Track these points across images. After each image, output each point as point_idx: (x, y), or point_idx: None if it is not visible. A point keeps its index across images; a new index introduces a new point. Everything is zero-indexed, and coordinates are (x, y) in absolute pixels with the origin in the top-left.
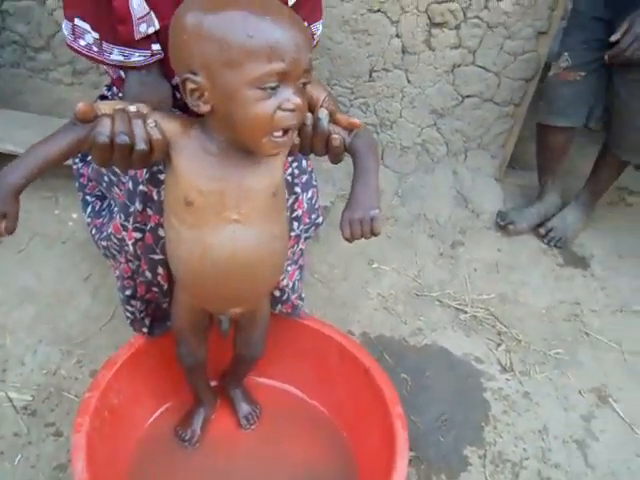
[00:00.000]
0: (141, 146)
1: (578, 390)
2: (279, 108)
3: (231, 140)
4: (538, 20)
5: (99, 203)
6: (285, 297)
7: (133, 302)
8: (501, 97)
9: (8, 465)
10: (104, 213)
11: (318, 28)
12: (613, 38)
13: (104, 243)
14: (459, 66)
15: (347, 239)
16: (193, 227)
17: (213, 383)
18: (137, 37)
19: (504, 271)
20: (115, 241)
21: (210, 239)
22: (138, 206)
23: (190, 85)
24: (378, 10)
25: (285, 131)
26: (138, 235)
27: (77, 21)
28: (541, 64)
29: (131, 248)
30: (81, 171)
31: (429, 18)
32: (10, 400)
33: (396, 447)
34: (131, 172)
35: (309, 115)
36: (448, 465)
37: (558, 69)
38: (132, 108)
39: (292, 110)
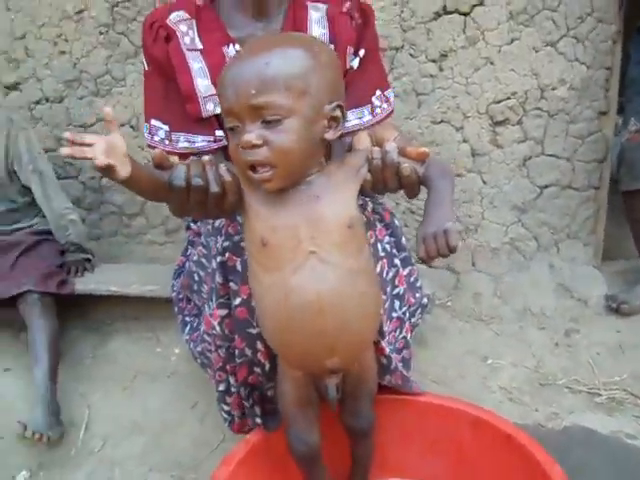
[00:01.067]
0: (214, 188)
1: None
2: (240, 147)
3: None
4: (596, 101)
5: (196, 320)
6: (393, 366)
7: (228, 398)
8: (579, 182)
9: None
10: (200, 327)
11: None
12: None
13: (199, 348)
14: (530, 158)
15: (422, 258)
16: (273, 270)
17: None
18: (204, 114)
19: (630, 351)
20: (207, 339)
21: (291, 280)
22: (219, 279)
23: None
24: (441, 121)
25: (253, 167)
26: (223, 312)
27: (153, 121)
28: (609, 143)
29: (218, 328)
30: (179, 296)
31: (491, 118)
32: None
33: None
34: (213, 251)
35: (376, 149)
36: None
37: (629, 134)
38: (206, 157)
39: (250, 147)
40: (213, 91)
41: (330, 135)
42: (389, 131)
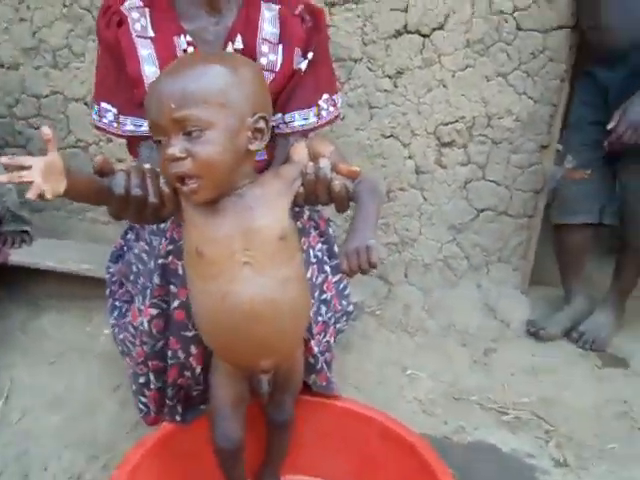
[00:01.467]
0: (153, 199)
1: None
2: (165, 159)
3: None
4: (539, 135)
5: (126, 306)
6: (319, 366)
7: (147, 392)
8: (514, 209)
9: None
10: (129, 314)
11: (337, 99)
12: (609, 126)
13: (121, 336)
14: (471, 181)
15: (345, 271)
16: (208, 278)
17: None
18: None
19: (542, 374)
20: (132, 330)
21: (226, 287)
22: (156, 280)
23: None
24: (390, 135)
25: (181, 179)
26: (154, 312)
27: (102, 104)
28: (547, 175)
29: (146, 326)
30: (113, 279)
31: (438, 139)
32: None
33: None
34: (155, 250)
35: (310, 164)
36: None
37: (564, 170)
38: (147, 166)
39: (174, 160)
40: None
41: (254, 146)
42: (325, 145)
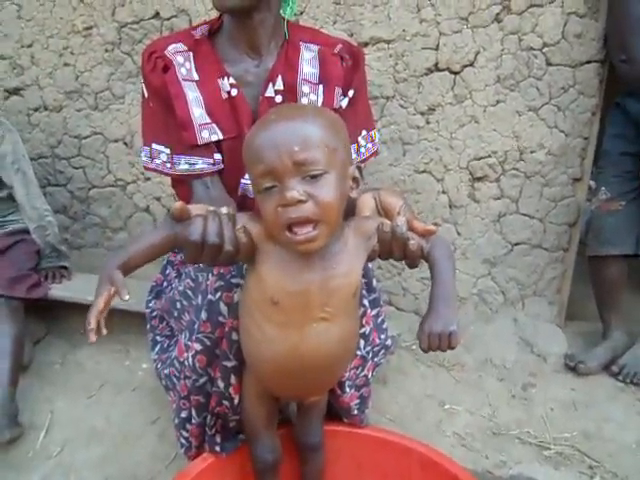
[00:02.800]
0: (229, 248)
1: None
2: (279, 205)
3: None
4: (571, 167)
5: (167, 341)
6: (354, 412)
7: (188, 426)
8: (549, 243)
9: None
10: (171, 349)
11: (375, 135)
12: None
13: (166, 371)
14: (504, 215)
15: (424, 349)
16: (280, 325)
17: None
18: (200, 141)
19: (582, 409)
20: (177, 365)
21: (299, 337)
22: (203, 316)
23: None
24: (424, 171)
25: (290, 229)
26: (198, 347)
27: (154, 145)
28: (581, 208)
29: (190, 361)
30: (153, 314)
31: (470, 173)
32: None
33: None
34: (202, 287)
35: (387, 222)
36: None
37: (599, 202)
38: (223, 210)
39: (290, 205)
40: (207, 120)
41: (354, 194)
42: (394, 197)
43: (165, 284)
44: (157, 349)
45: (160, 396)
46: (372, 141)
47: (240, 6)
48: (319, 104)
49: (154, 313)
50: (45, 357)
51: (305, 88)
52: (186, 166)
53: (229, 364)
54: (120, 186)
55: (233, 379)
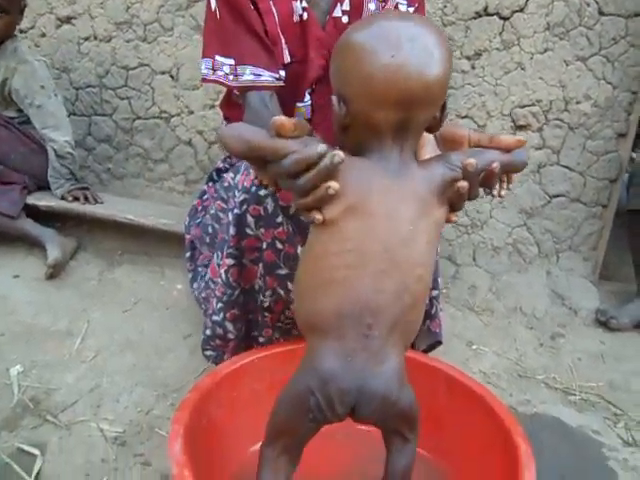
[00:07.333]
0: (332, 192)
1: None
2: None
3: None
4: (616, 122)
5: (205, 270)
6: (434, 311)
7: (218, 341)
8: (588, 197)
9: None
10: (207, 274)
11: None
12: None
13: (204, 294)
14: (544, 166)
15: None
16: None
17: None
18: (286, 60)
19: (610, 362)
20: (212, 285)
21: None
22: (232, 231)
23: None
24: (466, 116)
25: None
26: (230, 262)
27: (217, 57)
28: (623, 165)
29: (223, 276)
30: (193, 244)
31: (513, 121)
32: (101, 430)
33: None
34: (231, 204)
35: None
36: None
37: None
38: (341, 153)
39: None
40: (283, 40)
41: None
42: (462, 129)
43: (200, 208)
44: (197, 277)
45: (193, 315)
46: None
47: None
48: None
49: (193, 240)
50: (82, 273)
51: (371, 5)
52: (251, 77)
53: (282, 272)
54: (164, 118)
55: (290, 285)
